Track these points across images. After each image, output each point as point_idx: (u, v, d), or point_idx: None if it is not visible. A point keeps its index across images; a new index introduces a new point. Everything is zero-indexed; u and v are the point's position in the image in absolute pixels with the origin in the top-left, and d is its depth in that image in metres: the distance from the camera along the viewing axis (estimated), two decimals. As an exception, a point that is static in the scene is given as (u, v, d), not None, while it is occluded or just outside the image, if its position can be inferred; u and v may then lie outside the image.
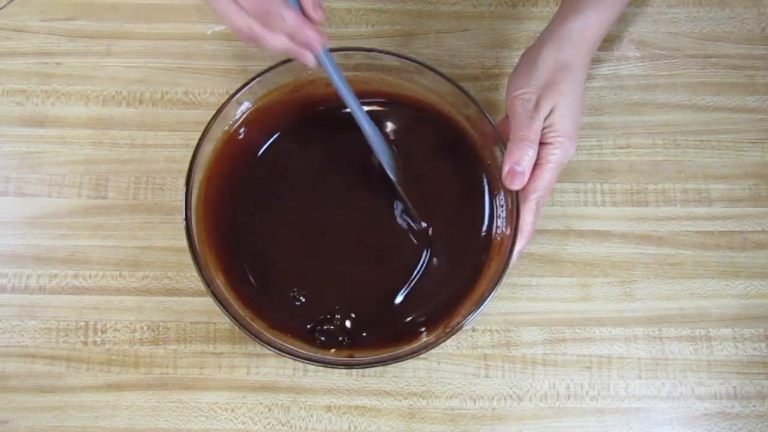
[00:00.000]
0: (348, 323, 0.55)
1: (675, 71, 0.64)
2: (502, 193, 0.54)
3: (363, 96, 0.58)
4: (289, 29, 0.45)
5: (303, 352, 0.50)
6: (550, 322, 0.58)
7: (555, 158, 0.49)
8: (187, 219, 0.49)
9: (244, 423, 0.55)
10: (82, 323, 0.57)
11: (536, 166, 0.49)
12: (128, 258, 0.59)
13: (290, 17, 0.44)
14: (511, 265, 0.49)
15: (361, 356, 0.51)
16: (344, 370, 0.56)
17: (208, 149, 0.53)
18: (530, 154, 0.48)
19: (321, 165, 0.58)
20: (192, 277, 0.58)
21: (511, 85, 0.52)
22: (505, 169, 0.49)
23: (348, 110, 0.53)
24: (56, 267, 0.58)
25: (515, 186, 0.49)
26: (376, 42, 0.64)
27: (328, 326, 0.55)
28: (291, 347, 0.49)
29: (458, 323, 0.49)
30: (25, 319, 0.57)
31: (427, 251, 0.56)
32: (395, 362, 0.50)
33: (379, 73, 0.56)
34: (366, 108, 0.57)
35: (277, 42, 0.45)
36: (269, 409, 0.56)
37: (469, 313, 0.49)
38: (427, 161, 0.58)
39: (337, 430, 0.55)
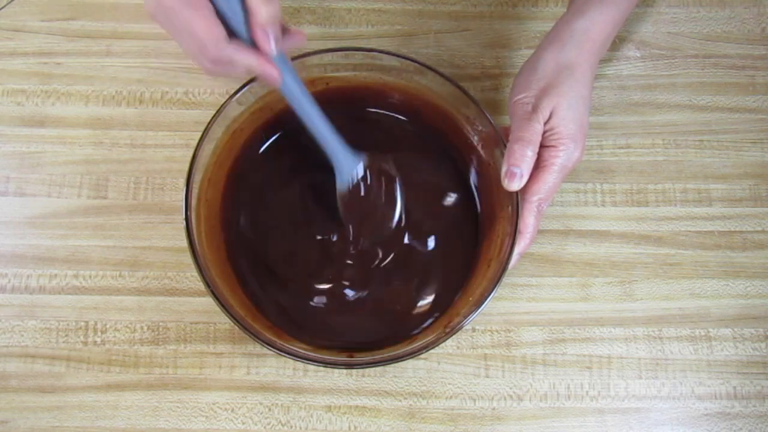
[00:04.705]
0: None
1: (675, 71, 0.64)
2: (501, 193, 0.54)
3: (362, 96, 0.58)
4: (245, 71, 0.44)
5: (303, 352, 0.50)
6: (550, 322, 0.58)
7: (558, 161, 0.49)
8: (187, 219, 0.49)
9: (244, 423, 0.55)
10: (82, 323, 0.57)
11: (539, 168, 0.49)
12: (128, 258, 0.59)
13: (242, 63, 0.43)
14: (511, 265, 0.49)
15: (361, 356, 0.51)
16: (344, 370, 0.56)
17: (208, 149, 0.53)
18: (528, 155, 0.48)
19: (322, 165, 0.58)
20: (192, 277, 0.58)
21: (513, 90, 0.52)
22: (503, 169, 0.49)
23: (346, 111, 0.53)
24: (56, 267, 0.58)
25: (513, 187, 0.49)
26: (376, 42, 0.64)
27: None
28: (291, 347, 0.49)
29: (458, 323, 0.49)
30: (25, 319, 0.57)
31: (425, 251, 0.57)
32: (395, 362, 0.50)
33: (379, 73, 0.56)
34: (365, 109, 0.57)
35: (240, 73, 0.45)
36: (269, 409, 0.56)
37: (469, 313, 0.49)
38: (419, 162, 0.58)
39: (337, 430, 0.55)
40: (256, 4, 0.41)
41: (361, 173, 0.54)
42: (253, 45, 0.43)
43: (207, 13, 0.41)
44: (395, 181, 0.55)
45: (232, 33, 0.43)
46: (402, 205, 0.55)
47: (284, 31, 0.45)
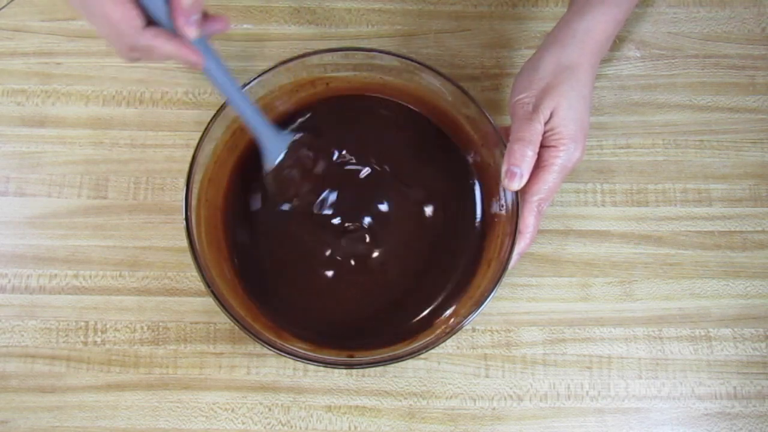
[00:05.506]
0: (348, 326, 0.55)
1: (675, 71, 0.64)
2: (502, 194, 0.54)
3: (362, 96, 0.58)
4: (164, 57, 0.43)
5: (303, 352, 0.50)
6: (550, 322, 0.58)
7: (558, 161, 0.49)
8: (187, 219, 0.49)
9: (244, 423, 0.55)
10: (82, 323, 0.57)
11: (539, 168, 0.49)
12: (128, 258, 0.59)
13: (160, 50, 0.42)
14: (511, 265, 0.49)
15: (361, 356, 0.51)
16: (344, 370, 0.56)
17: (209, 149, 0.53)
18: (528, 154, 0.48)
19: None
20: (192, 277, 0.58)
21: (513, 90, 0.52)
22: (503, 169, 0.49)
23: (343, 109, 0.52)
24: (56, 267, 0.58)
25: (513, 186, 0.49)
26: (376, 42, 0.64)
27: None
28: (291, 347, 0.49)
29: (458, 323, 0.49)
30: (25, 319, 0.57)
31: (425, 251, 0.57)
32: (395, 362, 0.50)
33: (379, 73, 0.56)
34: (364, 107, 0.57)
35: (160, 59, 0.44)
36: (269, 409, 0.56)
37: (469, 313, 0.49)
38: (421, 161, 0.58)
39: (337, 430, 0.55)
40: None
41: (285, 153, 0.53)
42: (172, 30, 0.43)
43: None
44: (317, 160, 0.55)
45: (149, 17, 0.42)
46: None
47: (205, 16, 0.44)
